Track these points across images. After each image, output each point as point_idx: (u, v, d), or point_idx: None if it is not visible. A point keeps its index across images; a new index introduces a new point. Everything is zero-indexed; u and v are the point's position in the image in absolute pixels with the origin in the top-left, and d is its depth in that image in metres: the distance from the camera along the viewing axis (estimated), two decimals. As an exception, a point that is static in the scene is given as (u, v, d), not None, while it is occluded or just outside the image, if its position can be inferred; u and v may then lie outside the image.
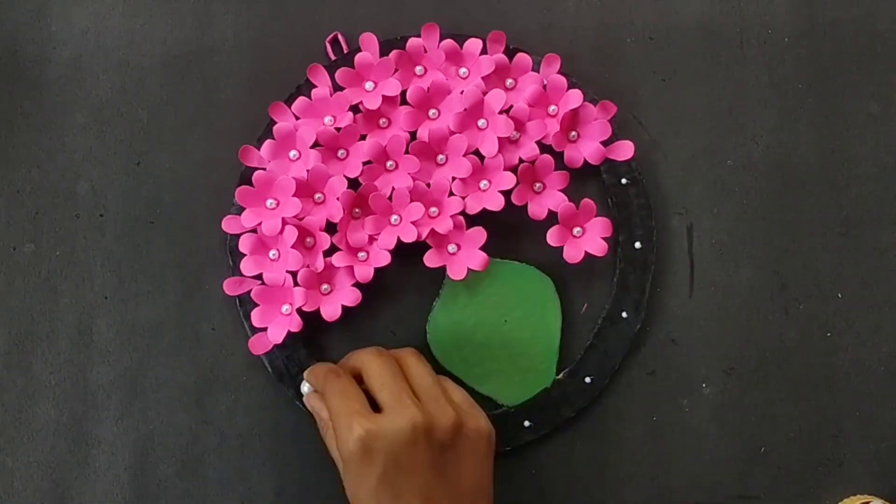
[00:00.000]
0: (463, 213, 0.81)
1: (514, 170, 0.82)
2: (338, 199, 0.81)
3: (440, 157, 0.82)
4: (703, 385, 0.84)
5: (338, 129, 0.82)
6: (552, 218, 0.82)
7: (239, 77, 0.86)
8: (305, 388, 0.80)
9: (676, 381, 0.84)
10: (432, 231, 0.80)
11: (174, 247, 0.84)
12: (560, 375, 0.83)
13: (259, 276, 0.81)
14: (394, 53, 0.83)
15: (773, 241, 0.86)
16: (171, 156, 0.85)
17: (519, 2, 0.88)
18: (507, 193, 0.81)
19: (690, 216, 0.86)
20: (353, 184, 0.82)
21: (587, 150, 0.83)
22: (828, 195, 0.86)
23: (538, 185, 0.83)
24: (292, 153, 0.82)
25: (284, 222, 0.80)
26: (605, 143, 0.83)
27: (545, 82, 0.84)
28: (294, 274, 0.80)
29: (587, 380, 0.82)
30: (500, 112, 0.82)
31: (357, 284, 0.81)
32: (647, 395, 0.84)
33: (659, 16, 0.89)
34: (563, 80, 0.83)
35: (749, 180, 0.87)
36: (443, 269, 0.81)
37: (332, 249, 0.81)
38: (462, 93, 0.82)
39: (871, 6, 0.90)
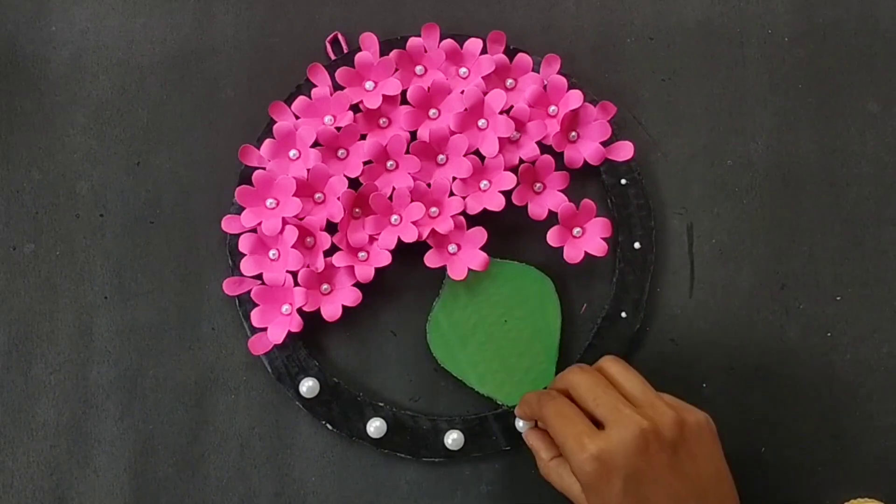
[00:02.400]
0: (463, 213, 0.81)
1: (514, 170, 0.82)
2: (338, 198, 0.81)
3: (441, 156, 0.82)
4: (703, 385, 0.84)
5: (338, 129, 0.82)
6: (552, 218, 0.82)
7: (239, 77, 0.87)
8: (521, 424, 0.80)
9: (676, 381, 0.84)
10: (433, 231, 0.81)
11: (174, 246, 0.84)
12: (560, 375, 0.83)
13: (259, 276, 0.81)
14: (394, 53, 0.83)
15: (773, 241, 0.86)
16: (171, 155, 0.85)
17: (519, 2, 0.88)
18: (507, 193, 0.81)
19: (690, 216, 0.86)
20: (354, 183, 0.82)
21: (587, 150, 0.84)
22: (828, 195, 0.86)
23: (538, 185, 0.83)
24: (292, 153, 0.82)
25: (284, 222, 0.80)
26: (605, 144, 0.84)
27: (545, 83, 0.84)
28: (294, 274, 0.80)
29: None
30: (501, 112, 0.82)
31: (357, 284, 0.81)
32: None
33: (659, 16, 0.89)
34: (564, 80, 0.83)
35: (749, 180, 0.87)
36: (443, 269, 0.81)
37: (333, 249, 0.81)
38: (462, 93, 0.82)
39: (871, 6, 0.90)
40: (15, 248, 0.84)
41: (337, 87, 0.83)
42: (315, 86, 0.83)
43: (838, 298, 0.85)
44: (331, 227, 0.81)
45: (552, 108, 0.84)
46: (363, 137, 0.83)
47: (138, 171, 0.85)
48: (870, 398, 0.84)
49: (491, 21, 0.88)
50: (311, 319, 0.80)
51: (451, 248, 0.81)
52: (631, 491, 0.66)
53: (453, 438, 0.81)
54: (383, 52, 0.84)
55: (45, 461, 0.81)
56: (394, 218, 0.81)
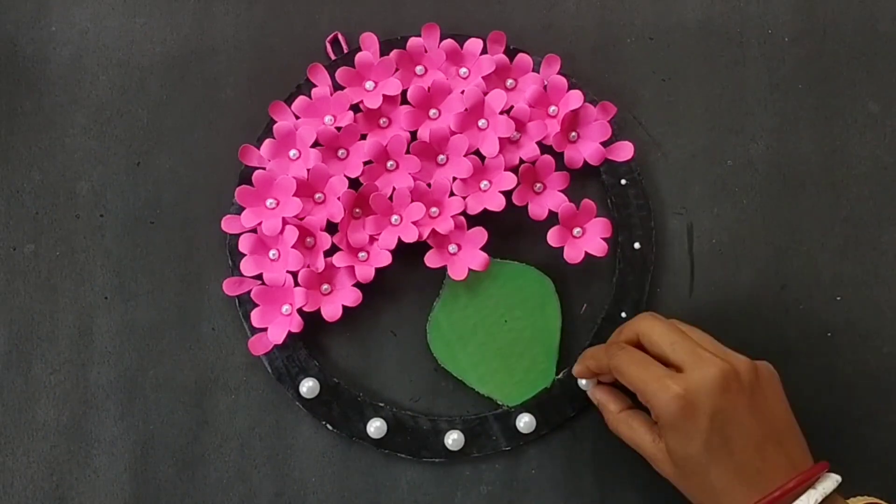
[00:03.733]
0: (464, 213, 0.81)
1: (514, 170, 0.82)
2: (338, 198, 0.81)
3: (441, 157, 0.82)
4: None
5: (338, 129, 0.82)
6: (552, 218, 0.82)
7: (239, 77, 0.87)
8: (584, 383, 0.80)
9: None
10: (433, 231, 0.81)
11: (174, 247, 0.84)
12: (560, 375, 0.83)
13: (259, 276, 0.81)
14: (394, 53, 0.83)
15: (773, 241, 0.86)
16: (171, 156, 0.85)
17: (519, 2, 0.88)
18: (507, 194, 0.81)
19: (690, 216, 0.86)
20: (354, 184, 0.82)
21: (587, 150, 0.84)
22: (828, 195, 0.86)
23: (538, 185, 0.83)
24: (292, 153, 0.82)
25: (284, 222, 0.80)
26: (605, 144, 0.84)
27: (546, 83, 0.84)
28: (294, 274, 0.80)
29: (587, 379, 0.82)
30: (501, 112, 0.82)
31: (357, 284, 0.81)
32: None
33: (659, 16, 0.89)
34: (564, 80, 0.84)
35: (749, 180, 0.87)
36: (443, 269, 0.81)
37: (333, 249, 0.81)
38: (463, 93, 0.82)
39: (871, 6, 0.90)
40: (15, 248, 0.84)
41: (337, 86, 0.83)
42: (315, 86, 0.83)
43: (838, 298, 0.85)
44: (331, 227, 0.81)
45: (552, 109, 0.84)
46: (363, 137, 0.83)
47: (138, 172, 0.85)
48: (870, 398, 0.84)
49: (491, 21, 0.88)
50: (311, 319, 0.80)
51: (452, 248, 0.81)
52: (716, 430, 0.67)
53: (453, 438, 0.81)
54: (383, 52, 0.84)
55: (46, 461, 0.81)
56: (394, 218, 0.81)
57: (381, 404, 0.82)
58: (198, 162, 0.85)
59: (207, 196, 0.85)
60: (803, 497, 0.66)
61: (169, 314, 0.84)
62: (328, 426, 0.81)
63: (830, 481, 0.68)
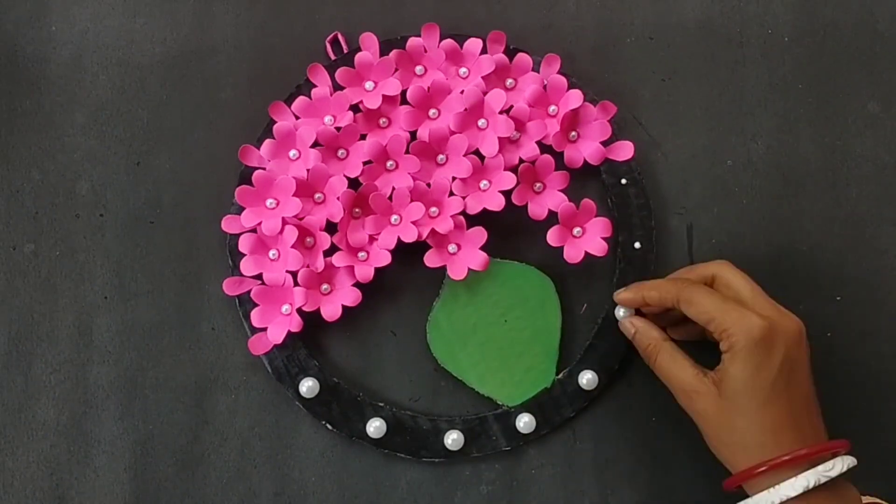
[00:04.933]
0: (463, 213, 0.81)
1: (514, 170, 0.82)
2: (338, 198, 0.81)
3: (440, 156, 0.82)
4: (703, 385, 0.84)
5: (338, 129, 0.82)
6: (552, 218, 0.82)
7: (239, 77, 0.87)
8: (621, 313, 0.81)
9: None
10: (433, 231, 0.81)
11: (174, 246, 0.84)
12: (560, 375, 0.83)
13: (259, 276, 0.81)
14: (394, 53, 0.83)
15: (773, 241, 0.86)
16: (171, 155, 0.85)
17: (519, 2, 0.89)
18: (507, 193, 0.81)
19: (690, 216, 0.86)
20: (354, 184, 0.82)
21: (587, 150, 0.84)
22: (828, 195, 0.87)
23: (538, 185, 0.83)
24: (292, 153, 0.82)
25: (284, 222, 0.80)
26: (605, 144, 0.84)
27: (545, 82, 0.84)
28: (294, 274, 0.80)
29: (587, 379, 0.82)
30: (501, 112, 0.82)
31: (357, 284, 0.81)
32: (647, 395, 0.84)
33: (659, 16, 0.89)
34: (564, 80, 0.84)
35: (749, 180, 0.87)
36: (443, 269, 0.81)
37: (333, 249, 0.81)
38: (462, 92, 0.82)
39: (871, 6, 0.90)
40: (15, 248, 0.84)
41: (337, 87, 0.83)
42: (315, 86, 0.83)
43: (838, 298, 0.85)
44: (331, 227, 0.81)
45: (552, 108, 0.84)
46: (363, 137, 0.83)
47: (138, 171, 0.85)
48: (870, 398, 0.84)
49: (491, 21, 0.88)
50: (311, 319, 0.80)
51: (451, 247, 0.81)
52: (785, 369, 0.71)
53: (453, 438, 0.81)
54: (383, 52, 0.84)
55: (45, 461, 0.81)
56: (394, 218, 0.81)
57: (381, 404, 0.82)
58: (198, 162, 0.85)
59: (207, 196, 0.85)
60: (838, 460, 0.70)
61: (169, 314, 0.84)
62: (328, 426, 0.81)
63: (851, 460, 0.71)
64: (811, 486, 0.69)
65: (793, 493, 0.69)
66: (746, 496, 0.72)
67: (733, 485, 0.73)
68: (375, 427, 0.81)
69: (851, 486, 0.72)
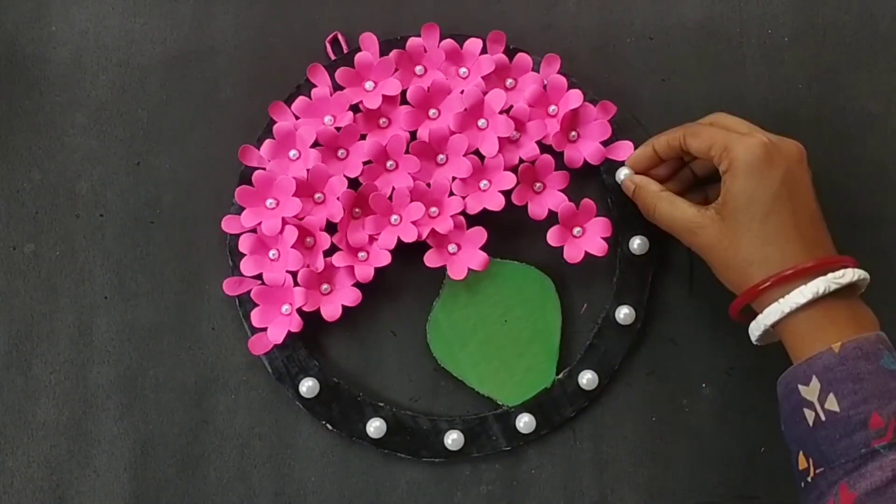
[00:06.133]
0: (463, 212, 0.81)
1: (514, 170, 0.82)
2: (338, 198, 0.81)
3: (440, 156, 0.82)
4: (703, 385, 0.84)
5: (338, 129, 0.82)
6: (552, 218, 0.82)
7: (238, 77, 0.87)
8: (623, 174, 0.82)
9: (676, 381, 0.84)
10: (432, 231, 0.81)
11: (174, 247, 0.84)
12: (560, 375, 0.83)
13: (259, 276, 0.81)
14: (394, 53, 0.83)
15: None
16: (171, 156, 0.86)
17: (519, 2, 0.88)
18: (507, 193, 0.81)
19: (690, 216, 0.86)
20: (354, 184, 0.82)
21: (587, 150, 0.84)
22: (828, 195, 0.86)
23: (538, 184, 0.83)
24: (292, 153, 0.82)
25: (284, 222, 0.80)
26: (605, 144, 0.84)
27: (545, 82, 0.84)
28: (294, 274, 0.80)
29: (587, 379, 0.82)
30: (501, 112, 0.82)
31: (357, 284, 0.81)
32: (647, 395, 0.84)
33: (659, 16, 0.89)
34: (563, 80, 0.84)
35: (749, 180, 0.87)
36: (443, 269, 0.81)
37: (333, 249, 0.81)
38: (462, 92, 0.82)
39: (871, 6, 0.90)
40: (15, 248, 0.84)
41: (337, 87, 0.83)
42: (315, 86, 0.83)
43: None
44: (331, 227, 0.81)
45: (552, 108, 0.84)
46: (363, 137, 0.83)
47: (138, 172, 0.85)
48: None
49: (491, 21, 0.88)
50: (311, 319, 0.80)
51: (451, 247, 0.81)
52: (786, 185, 0.73)
53: (453, 438, 0.81)
54: (383, 52, 0.84)
55: (46, 461, 0.81)
56: (394, 218, 0.81)
57: (381, 404, 0.82)
58: (197, 162, 0.85)
59: (207, 196, 0.85)
60: (849, 270, 0.72)
61: (169, 314, 0.84)
62: (328, 426, 0.81)
63: (863, 273, 0.73)
64: (821, 292, 0.70)
65: (802, 300, 0.70)
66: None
67: (740, 306, 0.74)
68: (375, 427, 0.81)
69: (866, 306, 0.73)
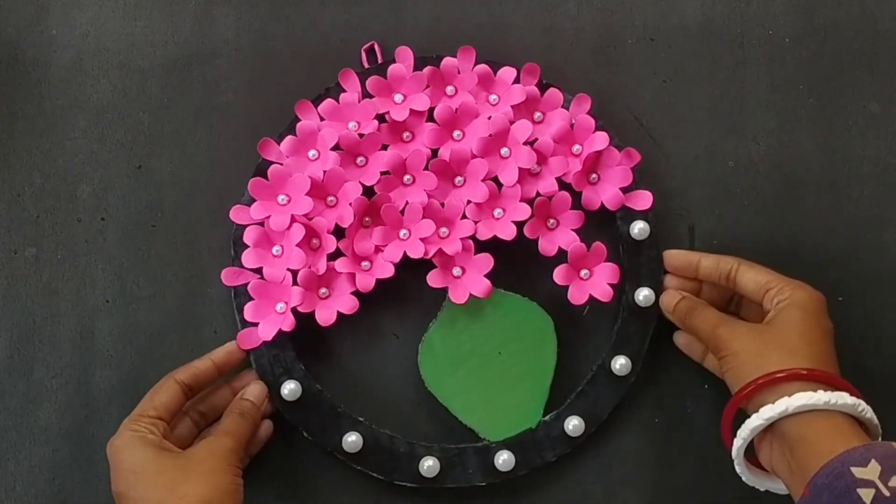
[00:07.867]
0: (473, 237, 0.81)
1: (530, 202, 0.82)
2: (350, 204, 0.81)
3: (458, 178, 0.82)
4: (705, 386, 0.85)
5: (361, 136, 0.82)
6: (561, 256, 0.82)
7: (240, 80, 0.86)
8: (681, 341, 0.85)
9: (677, 381, 0.85)
10: (439, 251, 0.81)
11: (176, 250, 0.85)
12: (546, 417, 0.83)
13: (259, 271, 0.81)
14: (427, 69, 0.83)
15: (774, 242, 0.86)
16: (173, 159, 0.85)
17: (519, 3, 0.88)
18: (519, 225, 0.81)
19: (692, 217, 0.87)
20: (368, 192, 0.82)
21: (606, 194, 0.83)
22: (829, 196, 0.87)
23: (552, 221, 0.83)
24: (311, 153, 0.82)
25: (293, 219, 0.80)
26: (625, 191, 0.84)
27: (573, 121, 0.83)
28: (294, 273, 0.80)
29: (573, 425, 0.83)
30: (525, 143, 0.82)
31: (356, 293, 0.81)
32: (647, 396, 0.85)
33: (660, 17, 0.89)
34: (592, 121, 0.83)
35: (750, 181, 0.87)
36: (444, 290, 0.82)
37: (337, 255, 0.81)
38: (489, 118, 0.82)
39: (871, 6, 0.90)
40: (16, 251, 0.84)
41: (366, 95, 0.83)
42: (344, 90, 0.83)
43: (839, 299, 0.86)
44: (338, 233, 0.81)
45: (576, 147, 0.83)
46: (384, 148, 0.83)
47: (140, 175, 0.85)
48: (871, 399, 0.84)
49: (491, 23, 0.87)
50: (306, 323, 0.80)
51: (456, 270, 0.81)
52: (830, 333, 0.77)
53: (428, 465, 0.81)
54: (417, 67, 0.84)
55: (48, 465, 0.82)
56: (402, 232, 0.81)
57: (361, 419, 0.82)
58: (199, 165, 0.85)
59: (209, 199, 0.85)
60: (870, 410, 0.74)
61: (170, 317, 0.84)
62: (304, 433, 0.81)
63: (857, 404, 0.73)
64: (848, 403, 0.72)
65: (826, 399, 0.71)
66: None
67: (751, 387, 0.73)
68: (351, 441, 0.81)
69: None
